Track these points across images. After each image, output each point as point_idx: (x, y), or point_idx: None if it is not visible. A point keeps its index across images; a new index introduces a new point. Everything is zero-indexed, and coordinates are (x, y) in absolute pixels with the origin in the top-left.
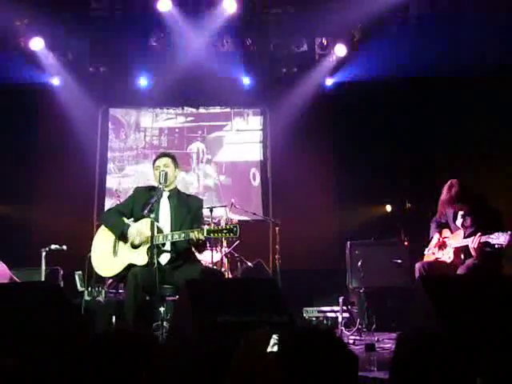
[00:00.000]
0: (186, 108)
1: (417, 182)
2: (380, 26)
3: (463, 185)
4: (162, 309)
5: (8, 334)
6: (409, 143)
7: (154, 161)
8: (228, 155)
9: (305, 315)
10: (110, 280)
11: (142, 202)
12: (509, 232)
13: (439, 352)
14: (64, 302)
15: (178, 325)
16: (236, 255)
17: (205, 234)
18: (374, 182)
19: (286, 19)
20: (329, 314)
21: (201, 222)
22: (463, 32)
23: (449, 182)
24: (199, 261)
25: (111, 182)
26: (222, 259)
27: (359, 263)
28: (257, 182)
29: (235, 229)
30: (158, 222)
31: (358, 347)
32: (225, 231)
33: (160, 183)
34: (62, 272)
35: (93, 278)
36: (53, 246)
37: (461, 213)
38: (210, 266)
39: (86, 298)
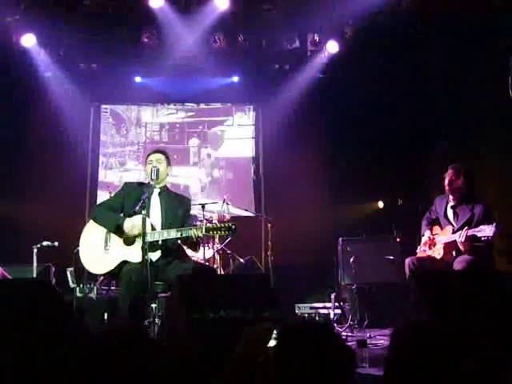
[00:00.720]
0: (186, 104)
1: (408, 178)
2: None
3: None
4: (153, 305)
5: None
6: (401, 140)
7: (148, 156)
8: (228, 150)
9: (297, 311)
10: (102, 277)
11: (133, 197)
12: (494, 224)
13: (433, 346)
14: (56, 299)
15: (170, 321)
16: (228, 252)
17: (203, 232)
18: (366, 178)
19: (278, 16)
20: (321, 311)
21: (190, 220)
22: None
23: (456, 167)
24: (190, 257)
25: (112, 176)
26: (214, 256)
27: (351, 260)
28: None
29: (233, 227)
30: (149, 218)
31: (349, 343)
32: (223, 229)
33: (152, 179)
34: (53, 269)
35: (84, 275)
36: (44, 243)
37: (451, 204)
38: (202, 262)
39: (78, 294)
